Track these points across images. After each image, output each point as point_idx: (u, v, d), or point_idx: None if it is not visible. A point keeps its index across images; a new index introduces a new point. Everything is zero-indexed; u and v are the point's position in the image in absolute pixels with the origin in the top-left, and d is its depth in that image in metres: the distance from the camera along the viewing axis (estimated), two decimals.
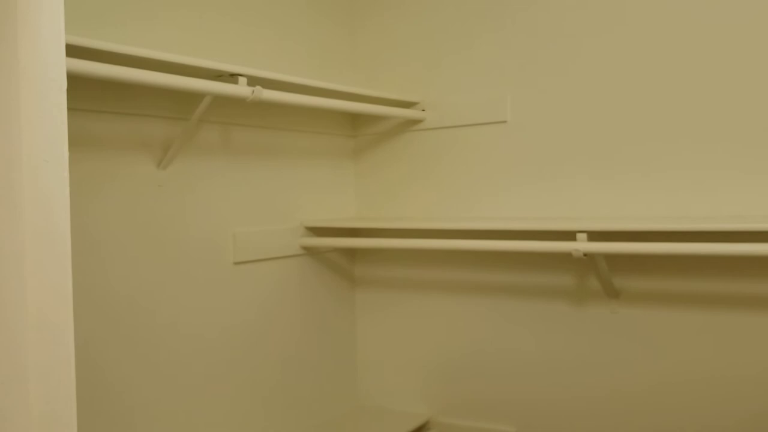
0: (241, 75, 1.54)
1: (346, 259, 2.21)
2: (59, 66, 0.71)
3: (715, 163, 1.72)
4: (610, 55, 1.85)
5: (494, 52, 2.01)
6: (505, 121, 1.99)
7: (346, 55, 2.23)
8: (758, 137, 1.67)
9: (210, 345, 1.75)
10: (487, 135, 2.02)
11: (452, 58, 2.07)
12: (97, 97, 1.50)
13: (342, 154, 2.21)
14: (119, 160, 1.54)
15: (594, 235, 1.67)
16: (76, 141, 1.45)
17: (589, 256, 1.71)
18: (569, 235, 1.69)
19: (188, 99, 1.66)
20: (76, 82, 1.42)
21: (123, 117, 1.55)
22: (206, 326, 1.74)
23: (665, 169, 1.78)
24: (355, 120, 2.24)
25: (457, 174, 2.06)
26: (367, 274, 2.22)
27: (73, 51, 1.24)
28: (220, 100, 1.75)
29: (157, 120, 1.62)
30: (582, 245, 1.64)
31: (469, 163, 2.05)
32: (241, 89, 1.53)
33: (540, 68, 1.94)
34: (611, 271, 1.84)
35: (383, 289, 2.20)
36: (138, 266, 1.58)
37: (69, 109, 0.73)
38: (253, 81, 1.58)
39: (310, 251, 2.05)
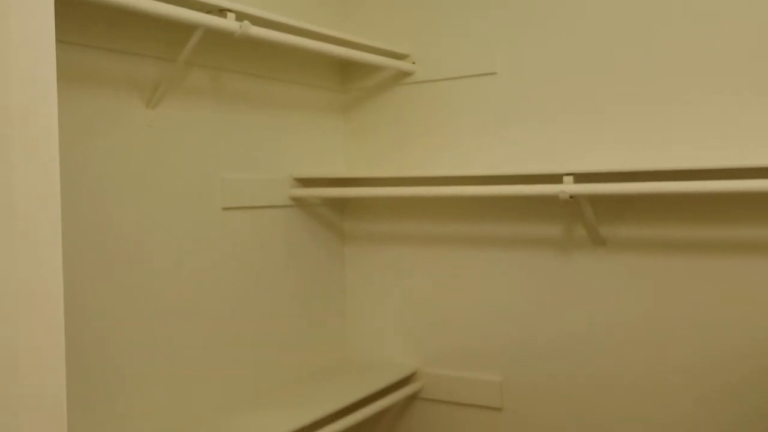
0: (230, 10, 1.55)
1: (336, 213, 2.22)
2: None
3: (703, 110, 1.74)
4: (597, 6, 1.86)
5: (483, 5, 2.01)
6: (494, 73, 2.00)
7: (336, 6, 2.23)
8: (746, 81, 1.69)
9: (197, 290, 1.75)
10: (477, 87, 2.03)
11: (441, 11, 2.08)
12: (86, 30, 1.49)
13: (331, 109, 2.21)
14: (107, 96, 1.54)
15: (580, 178, 1.69)
16: (62, 75, 1.45)
17: (575, 200, 1.72)
18: (556, 179, 1.71)
19: (177, 37, 1.66)
20: (63, 11, 1.43)
21: (112, 53, 1.55)
22: (194, 271, 1.74)
23: (654, 118, 1.79)
24: (345, 74, 2.24)
25: (448, 127, 2.07)
26: (356, 228, 2.23)
27: None
28: (209, 40, 1.75)
29: (146, 59, 1.62)
30: (568, 187, 1.66)
31: (460, 116, 2.05)
32: (229, 23, 1.53)
33: (528, 20, 1.95)
34: (597, 219, 1.86)
35: (372, 243, 2.21)
36: (126, 206, 1.58)
37: (57, 41, 0.73)
38: (241, 17, 1.59)
39: (299, 203, 2.06)
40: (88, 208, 1.50)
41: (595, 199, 1.85)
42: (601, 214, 1.86)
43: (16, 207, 0.68)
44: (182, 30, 1.66)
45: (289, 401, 1.85)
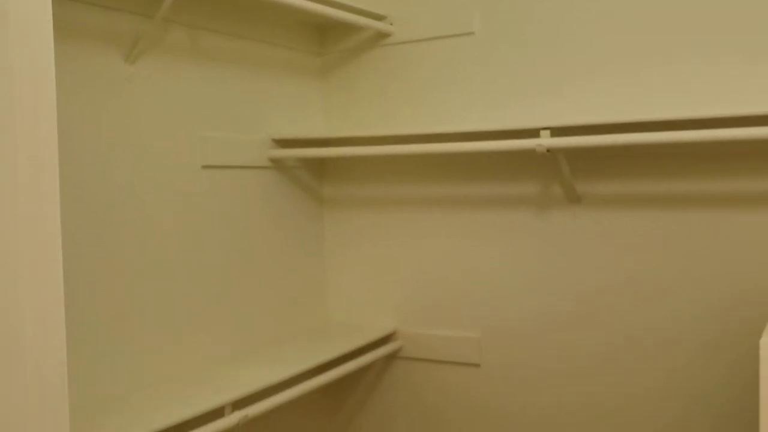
0: None
1: (314, 176, 2.23)
2: None
3: (680, 67, 1.77)
4: None
5: None
6: (472, 33, 2.02)
7: None
8: (722, 38, 1.73)
9: (178, 247, 1.76)
10: (455, 47, 2.04)
11: None
12: None
13: (310, 71, 2.22)
14: (86, 49, 1.53)
15: (557, 132, 1.72)
16: None
17: (551, 155, 1.76)
18: (533, 133, 1.73)
19: None
20: None
21: (92, 7, 1.54)
22: (174, 228, 1.74)
23: (632, 76, 1.83)
24: (323, 36, 2.25)
25: (426, 88, 2.09)
26: (335, 192, 2.24)
27: None
28: None
29: (125, 14, 1.62)
30: (545, 141, 1.69)
31: (438, 77, 2.07)
32: None
33: None
34: (573, 176, 1.89)
35: (350, 205, 2.22)
36: (105, 161, 1.58)
37: None
38: None
39: (278, 165, 2.07)
40: (65, 164, 1.50)
41: (571, 155, 1.88)
42: (577, 170, 1.90)
43: (16, 166, 0.68)
44: None
45: (270, 358, 1.87)
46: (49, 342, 0.72)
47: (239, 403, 1.61)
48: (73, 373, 1.48)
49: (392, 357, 2.18)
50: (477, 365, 2.07)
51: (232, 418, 1.55)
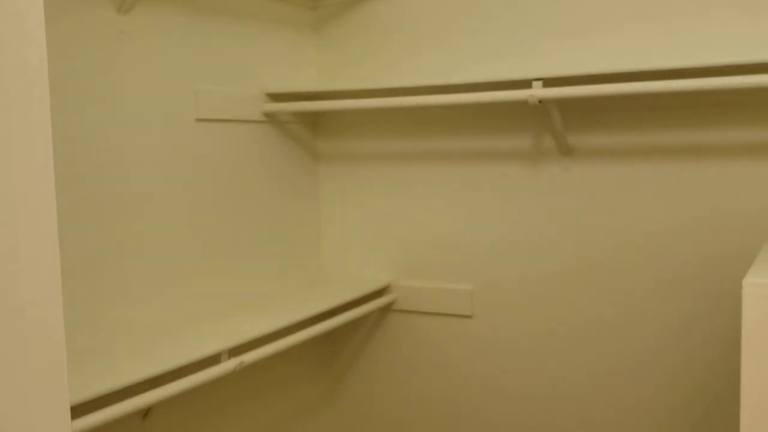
0: None
1: (309, 131, 2.24)
2: None
3: (672, 13, 1.78)
4: None
5: None
6: None
7: None
8: None
9: (172, 200, 1.77)
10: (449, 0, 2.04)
11: None
12: None
13: (304, 25, 2.21)
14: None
15: (549, 83, 1.72)
16: None
17: (544, 106, 1.77)
18: (525, 85, 1.74)
19: None
20: None
21: None
22: (168, 181, 1.75)
23: (627, 25, 1.83)
24: None
25: (421, 42, 2.09)
26: (329, 146, 2.25)
27: None
28: None
29: None
30: (537, 92, 1.70)
31: (433, 31, 2.07)
32: None
33: None
34: (565, 127, 1.91)
35: (344, 160, 2.24)
36: (100, 115, 1.59)
37: None
38: None
39: (272, 119, 2.07)
40: (57, 117, 1.50)
41: (563, 107, 1.89)
42: (570, 123, 1.91)
43: (9, 118, 0.69)
44: None
45: (266, 308, 1.90)
46: (44, 284, 0.73)
47: (235, 351, 1.64)
48: (66, 321, 1.51)
49: (386, 309, 2.21)
50: (470, 317, 2.10)
51: (229, 365, 1.58)
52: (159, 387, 1.43)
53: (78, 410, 1.28)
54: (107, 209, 1.60)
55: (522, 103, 1.89)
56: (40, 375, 0.72)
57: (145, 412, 1.67)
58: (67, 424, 0.75)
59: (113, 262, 1.61)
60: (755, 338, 1.12)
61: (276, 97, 2.07)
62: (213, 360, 1.58)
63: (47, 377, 0.72)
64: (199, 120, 1.85)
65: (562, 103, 1.86)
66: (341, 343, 2.30)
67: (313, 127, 2.26)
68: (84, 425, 1.25)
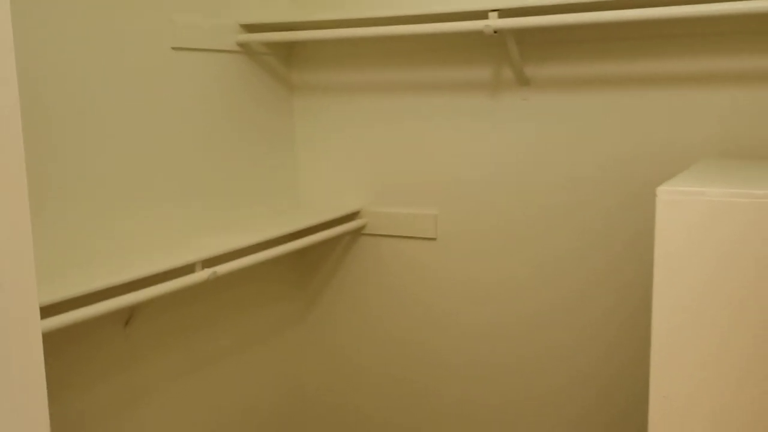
0: None
1: (283, 62, 2.33)
2: None
3: None
4: None
5: None
6: None
7: None
8: None
9: (148, 127, 1.86)
10: None
11: None
12: None
13: None
14: None
15: (505, 14, 1.82)
16: None
17: (501, 36, 1.87)
18: (482, 15, 1.84)
19: None
20: None
21: None
22: (144, 109, 1.84)
23: None
24: None
25: None
26: (303, 78, 2.35)
27: None
28: None
29: None
30: (493, 22, 1.80)
31: None
32: None
33: None
34: (522, 59, 2.01)
35: (318, 92, 2.34)
36: (74, 42, 1.67)
37: None
38: None
39: (246, 50, 2.16)
40: (25, 49, 1.59)
41: (520, 38, 1.99)
42: (526, 53, 2.01)
43: None
44: None
45: (241, 228, 2.03)
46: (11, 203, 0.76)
47: (209, 263, 1.77)
48: (40, 234, 1.63)
49: (357, 233, 2.35)
50: (434, 239, 2.24)
51: (203, 274, 1.71)
52: (134, 291, 1.56)
53: (52, 311, 1.39)
54: (83, 135, 1.70)
55: (480, 34, 1.98)
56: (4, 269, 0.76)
57: (126, 320, 1.81)
58: (36, 321, 0.79)
59: (91, 187, 1.71)
60: (667, 243, 1.25)
61: (250, 27, 2.15)
62: (188, 269, 1.71)
63: (12, 270, 0.76)
64: (174, 48, 1.94)
65: (518, 34, 1.96)
66: (315, 265, 2.44)
67: (287, 58, 2.35)
68: (57, 324, 1.37)
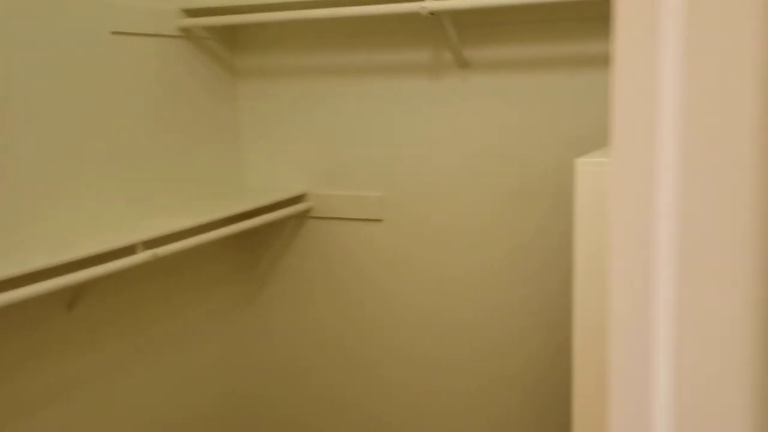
0: None
1: (226, 47, 2.34)
2: None
3: None
4: None
5: None
6: None
7: None
8: None
9: (90, 115, 1.86)
10: None
11: None
12: None
13: None
14: None
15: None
16: None
17: (438, 19, 1.91)
18: None
19: None
20: None
21: None
22: (83, 94, 1.84)
23: None
24: None
25: None
26: (247, 62, 2.36)
27: None
28: None
29: None
30: (428, 4, 1.84)
31: None
32: None
33: None
34: (461, 41, 2.05)
35: (263, 77, 2.35)
36: (6, 29, 1.67)
37: None
38: None
39: (188, 35, 2.17)
40: None
41: (457, 20, 2.03)
42: (465, 36, 2.06)
43: None
44: None
45: (184, 211, 2.04)
46: None
47: (151, 244, 1.78)
48: None
49: (304, 217, 2.37)
50: (380, 220, 2.28)
51: (143, 255, 1.72)
52: (74, 272, 1.57)
53: None
54: (22, 121, 1.70)
55: (418, 17, 2.02)
56: None
57: (69, 304, 1.82)
58: None
59: (29, 171, 1.71)
60: (586, 212, 1.31)
61: (192, 12, 2.16)
62: (129, 251, 1.72)
63: None
64: (114, 33, 1.94)
65: (455, 16, 2.00)
66: (262, 249, 2.46)
67: (230, 42, 2.36)
68: None
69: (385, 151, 2.23)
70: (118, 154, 1.95)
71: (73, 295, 1.81)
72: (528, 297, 2.13)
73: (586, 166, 1.29)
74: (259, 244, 2.46)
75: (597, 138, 1.95)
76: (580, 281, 1.32)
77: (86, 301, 1.87)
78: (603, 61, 1.93)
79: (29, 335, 1.72)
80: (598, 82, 1.94)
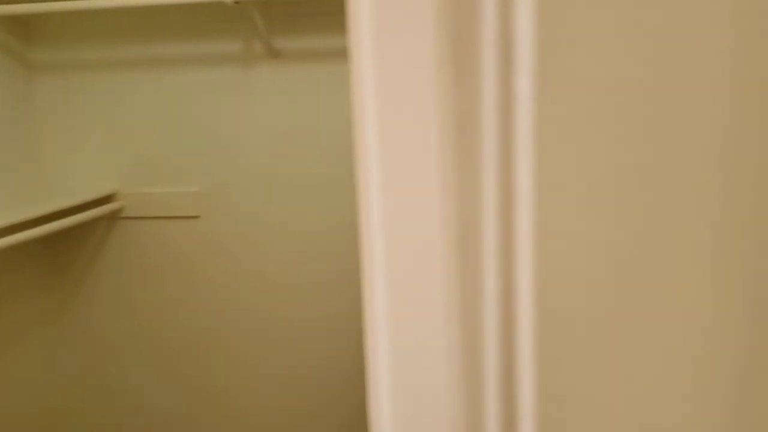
0: None
1: (20, 40, 2.17)
2: None
3: None
4: None
5: None
6: None
7: None
8: None
9: None
10: None
11: None
12: None
13: None
14: None
15: None
16: None
17: (244, 9, 1.87)
18: None
19: None
20: None
21: None
22: None
23: None
24: None
25: None
26: (44, 57, 2.20)
27: None
28: None
29: None
30: None
31: None
32: None
33: None
34: (270, 31, 2.03)
35: (64, 71, 2.20)
36: None
37: None
38: None
39: None
40: None
41: (265, 10, 2.01)
42: (274, 26, 2.04)
43: None
44: None
45: None
46: None
47: None
48: None
49: (115, 217, 2.25)
50: (197, 217, 2.21)
51: None
52: None
53: None
54: None
55: (223, 6, 1.98)
56: None
57: None
58: None
59: None
60: None
61: None
62: None
63: None
64: None
65: (262, 6, 1.98)
66: (71, 253, 2.30)
67: (24, 35, 2.18)
68: None
69: (199, 144, 2.17)
70: None
71: None
72: (345, 278, 2.16)
73: None
74: (68, 250, 2.30)
75: None
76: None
77: None
78: None
79: None
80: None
